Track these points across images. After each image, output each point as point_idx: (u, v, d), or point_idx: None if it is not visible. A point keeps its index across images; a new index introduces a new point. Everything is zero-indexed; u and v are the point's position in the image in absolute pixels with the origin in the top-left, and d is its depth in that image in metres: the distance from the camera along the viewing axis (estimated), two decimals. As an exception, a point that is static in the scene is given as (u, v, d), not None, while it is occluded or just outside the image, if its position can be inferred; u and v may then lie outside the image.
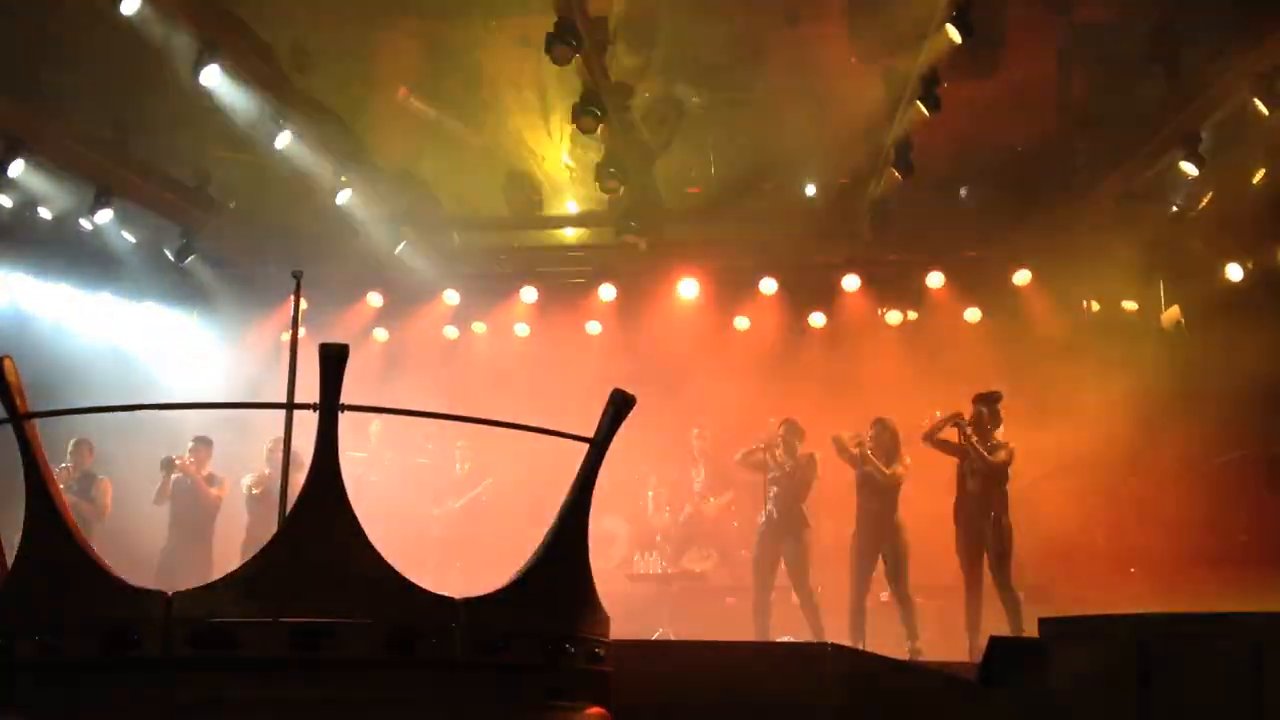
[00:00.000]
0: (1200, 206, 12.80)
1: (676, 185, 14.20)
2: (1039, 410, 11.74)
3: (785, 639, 11.13)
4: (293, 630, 4.28)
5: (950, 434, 10.62)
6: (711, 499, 13.57)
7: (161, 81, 11.12)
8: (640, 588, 12.82)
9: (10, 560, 4.76)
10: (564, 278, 14.94)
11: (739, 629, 11.17)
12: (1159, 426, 12.07)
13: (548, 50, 10.31)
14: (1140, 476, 12.48)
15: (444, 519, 13.58)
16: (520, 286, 14.86)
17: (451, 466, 13.86)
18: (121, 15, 10.06)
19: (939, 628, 10.80)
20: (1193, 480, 11.95)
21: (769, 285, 14.42)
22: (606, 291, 14.79)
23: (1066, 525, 11.86)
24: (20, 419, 4.55)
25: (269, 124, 11.92)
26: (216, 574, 11.09)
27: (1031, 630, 6.81)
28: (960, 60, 10.98)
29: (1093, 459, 12.30)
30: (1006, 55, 12.60)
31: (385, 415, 10.77)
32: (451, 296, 14.97)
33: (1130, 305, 13.77)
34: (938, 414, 10.84)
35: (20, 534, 4.66)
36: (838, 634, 10.49)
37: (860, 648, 9.93)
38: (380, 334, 15.18)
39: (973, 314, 14.13)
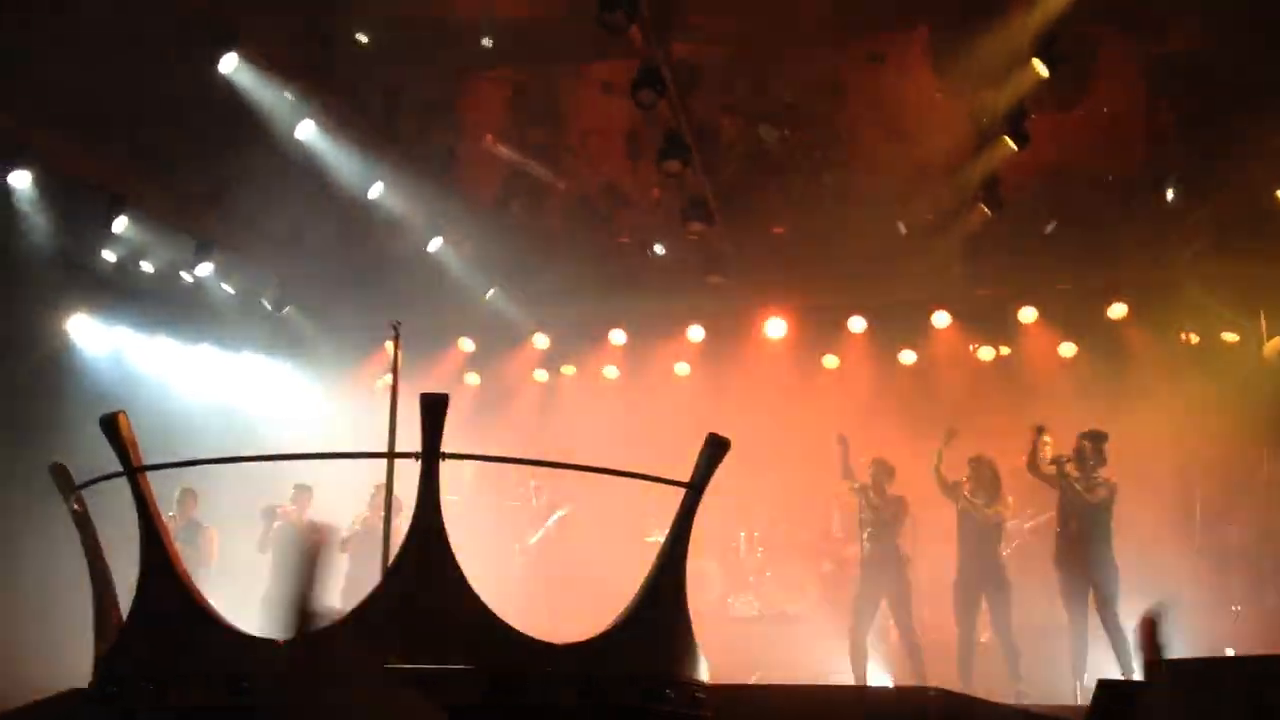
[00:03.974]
0: (1301, 234, 12.52)
1: (762, 225, 14.19)
2: (1137, 447, 11.51)
3: (884, 682, 11.00)
4: (397, 678, 4.33)
5: (1050, 467, 10.45)
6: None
7: (259, 136, 11.40)
8: (735, 629, 12.76)
9: (124, 610, 4.88)
10: (652, 320, 14.98)
11: (836, 671, 11.06)
12: (1262, 461, 11.77)
13: (633, 95, 10.42)
14: (1243, 513, 12.16)
15: (525, 553, 13.68)
16: (609, 329, 14.95)
17: (529, 503, 14.00)
18: (219, 74, 10.38)
19: (1043, 669, 10.58)
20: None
21: (858, 323, 14.35)
22: (695, 333, 14.82)
23: (1168, 562, 11.60)
24: (134, 472, 4.67)
25: (362, 175, 12.20)
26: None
27: (1140, 672, 6.66)
28: (1047, 92, 10.89)
29: (1194, 496, 12.03)
30: (1094, 85, 12.49)
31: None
32: (541, 340, 15.11)
33: (1230, 337, 13.46)
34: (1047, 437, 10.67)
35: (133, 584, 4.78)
36: (936, 675, 10.35)
37: (966, 690, 9.79)
38: (472, 378, 15.35)
39: (1068, 348, 13.91)
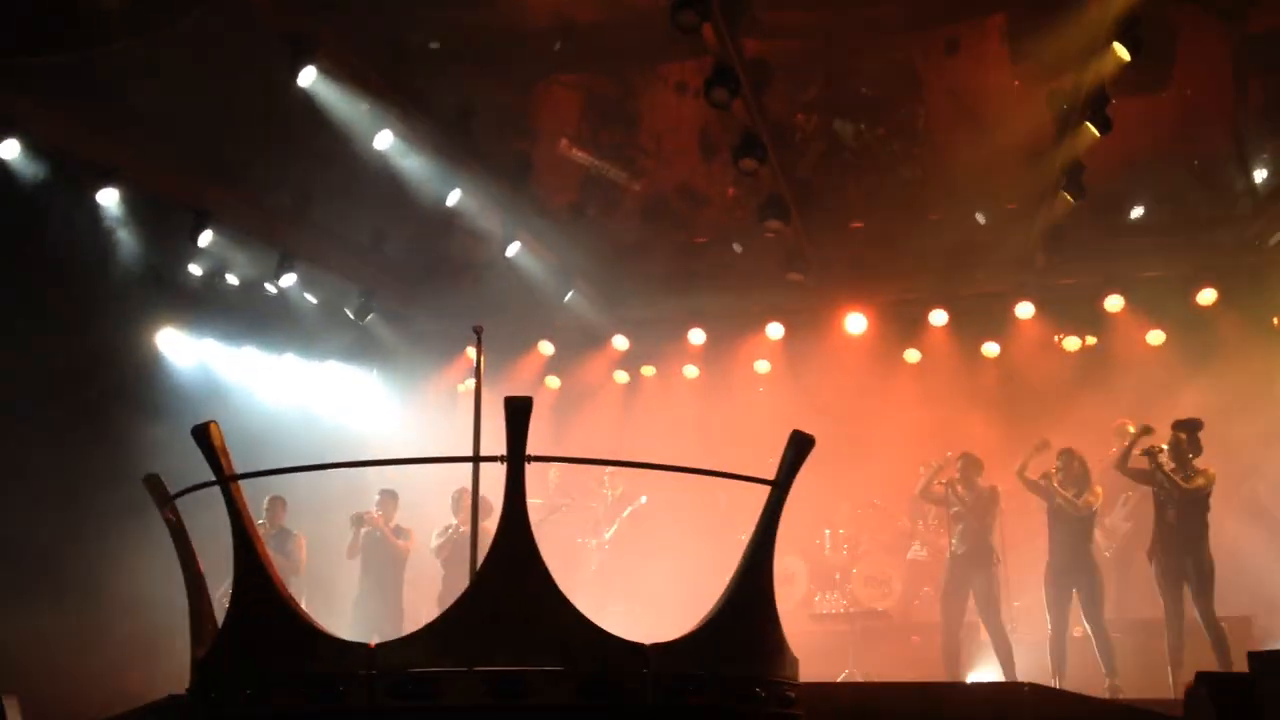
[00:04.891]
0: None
1: (840, 220, 14.08)
2: (1232, 434, 11.26)
3: (975, 678, 10.88)
4: (488, 680, 4.34)
5: (1141, 461, 10.26)
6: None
7: (338, 148, 11.54)
8: (822, 627, 12.68)
9: (219, 617, 4.95)
10: (731, 318, 14.92)
11: (925, 668, 10.95)
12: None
13: (706, 95, 10.37)
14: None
15: (603, 550, 13.73)
16: (688, 329, 14.93)
17: (604, 500, 14.05)
18: (298, 87, 10.53)
19: (1138, 663, 10.39)
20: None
21: (939, 317, 14.18)
22: (774, 330, 14.75)
23: (1267, 552, 11.35)
24: (227, 481, 4.73)
25: (440, 182, 12.31)
26: (407, 623, 11.40)
27: (1239, 665, 6.52)
28: (1128, 76, 10.68)
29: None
30: (1178, 68, 12.23)
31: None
32: (620, 341, 15.14)
33: (1325, 321, 13.11)
34: (1131, 429, 10.56)
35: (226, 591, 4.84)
36: (1028, 671, 10.21)
37: (1058, 685, 9.65)
38: (553, 381, 15.43)
39: (1156, 336, 13.62)
